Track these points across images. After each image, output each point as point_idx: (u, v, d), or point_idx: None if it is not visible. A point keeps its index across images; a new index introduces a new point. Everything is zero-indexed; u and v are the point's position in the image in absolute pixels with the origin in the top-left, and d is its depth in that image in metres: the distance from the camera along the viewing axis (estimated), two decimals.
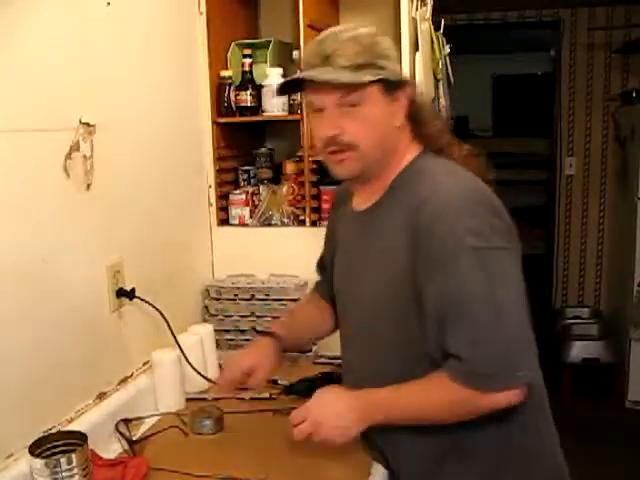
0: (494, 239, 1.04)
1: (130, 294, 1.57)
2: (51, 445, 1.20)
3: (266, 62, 2.02)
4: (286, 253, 2.00)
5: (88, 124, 1.42)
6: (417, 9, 1.89)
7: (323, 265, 1.48)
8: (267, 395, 1.66)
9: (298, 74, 1.15)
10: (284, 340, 1.41)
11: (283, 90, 1.28)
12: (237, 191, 2.08)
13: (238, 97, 2.00)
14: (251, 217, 2.06)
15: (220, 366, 1.83)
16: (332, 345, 1.93)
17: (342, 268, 1.33)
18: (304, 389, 1.66)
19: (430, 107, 1.25)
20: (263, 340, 1.42)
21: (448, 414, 1.09)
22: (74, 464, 1.15)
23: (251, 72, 2.00)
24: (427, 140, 1.19)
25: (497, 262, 1.03)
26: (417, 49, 1.91)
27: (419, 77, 1.90)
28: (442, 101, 2.24)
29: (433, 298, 1.05)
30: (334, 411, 1.14)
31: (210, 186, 2.05)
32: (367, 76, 1.08)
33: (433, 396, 1.08)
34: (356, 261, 1.25)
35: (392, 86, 1.12)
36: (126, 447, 1.41)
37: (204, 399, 1.65)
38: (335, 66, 1.08)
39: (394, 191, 1.17)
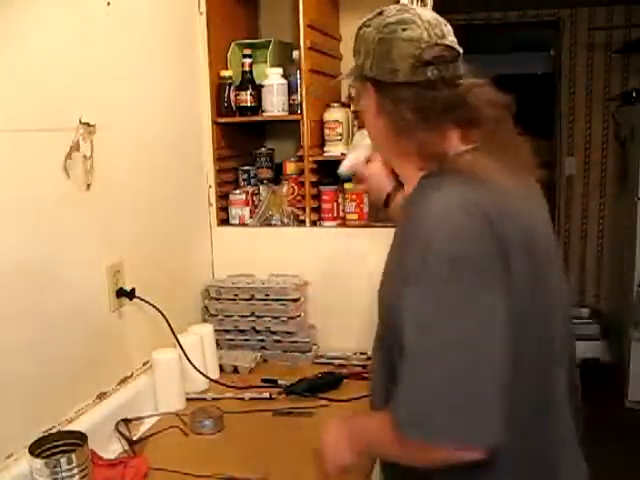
0: (462, 271, 0.90)
1: (130, 294, 1.57)
2: (51, 445, 1.20)
3: (266, 62, 2.02)
4: (286, 253, 2.00)
5: (88, 124, 1.42)
6: None
7: None
8: (267, 395, 1.66)
9: None
10: None
11: None
12: (237, 191, 2.08)
13: (238, 97, 2.00)
14: (251, 217, 2.06)
15: (220, 367, 1.83)
16: (332, 345, 1.94)
17: None
18: (304, 389, 1.67)
19: (412, 104, 1.02)
20: None
21: (396, 458, 1.00)
22: (74, 464, 1.16)
23: (251, 72, 2.00)
24: (424, 154, 1.05)
25: (459, 299, 0.90)
26: None
27: None
28: None
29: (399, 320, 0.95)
30: (333, 440, 1.12)
31: (210, 186, 2.05)
32: (350, 74, 1.13)
33: (382, 436, 0.99)
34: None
35: (360, 80, 1.09)
36: (126, 447, 1.41)
37: (204, 399, 1.65)
38: None
39: (409, 202, 1.07)
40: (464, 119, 1.04)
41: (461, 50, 1.06)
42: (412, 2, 1.86)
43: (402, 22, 1.03)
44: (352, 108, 2.04)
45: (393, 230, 1.09)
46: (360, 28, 1.10)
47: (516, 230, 0.95)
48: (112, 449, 1.41)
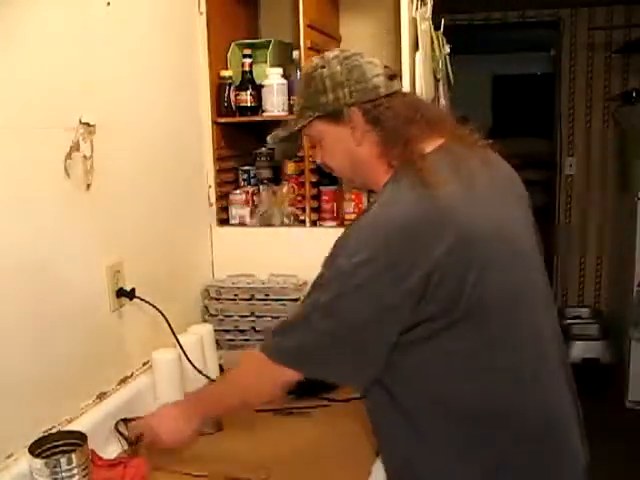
0: (360, 273, 1.05)
1: (130, 294, 1.57)
2: (51, 445, 1.20)
3: (266, 62, 2.02)
4: (286, 253, 2.00)
5: (88, 124, 1.42)
6: (417, 9, 1.88)
7: None
8: None
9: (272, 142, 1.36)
10: None
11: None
12: (237, 191, 2.08)
13: (238, 97, 2.00)
14: (251, 217, 2.06)
15: (220, 367, 1.83)
16: None
17: None
18: (303, 389, 1.66)
19: (393, 113, 1.16)
20: None
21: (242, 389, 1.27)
22: (74, 464, 1.16)
23: (251, 72, 2.00)
24: (399, 153, 1.16)
25: (344, 296, 1.07)
26: (417, 49, 1.91)
27: (419, 77, 1.90)
28: (442, 101, 2.24)
29: None
30: (168, 416, 1.32)
31: (210, 186, 2.05)
32: (300, 122, 1.22)
33: (233, 374, 1.29)
34: None
35: (334, 115, 1.18)
36: (126, 447, 1.41)
37: None
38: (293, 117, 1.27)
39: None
40: (427, 117, 1.18)
41: None
42: (412, 1, 1.86)
43: (354, 54, 1.19)
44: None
45: None
46: (310, 74, 1.19)
47: (450, 235, 1.03)
48: (112, 449, 1.41)
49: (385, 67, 1.19)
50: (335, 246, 1.11)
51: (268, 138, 1.33)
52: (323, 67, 1.18)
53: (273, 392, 1.23)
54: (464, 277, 1.04)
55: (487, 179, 1.17)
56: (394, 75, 1.20)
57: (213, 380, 1.71)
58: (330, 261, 1.11)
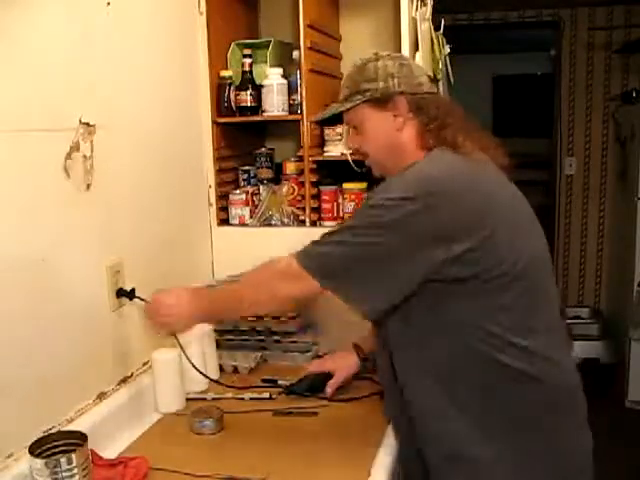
0: (390, 212, 1.17)
1: (130, 294, 1.57)
2: (51, 445, 1.20)
3: (266, 62, 2.02)
4: (286, 253, 1.99)
5: (88, 124, 1.42)
6: (417, 9, 1.88)
7: None
8: (267, 395, 1.66)
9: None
10: (364, 348, 1.63)
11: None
12: (237, 191, 2.08)
13: (238, 97, 2.00)
14: (251, 217, 2.06)
15: (220, 367, 1.83)
16: (332, 345, 1.94)
17: None
18: (304, 389, 1.67)
19: (434, 105, 1.34)
20: (346, 351, 1.66)
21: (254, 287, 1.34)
22: (74, 464, 1.15)
23: (251, 72, 2.00)
24: (434, 137, 1.31)
25: (380, 225, 1.17)
26: (417, 49, 1.91)
27: None
28: None
29: None
30: (174, 292, 1.42)
31: (210, 186, 2.05)
32: (348, 104, 1.35)
33: (256, 269, 1.34)
34: None
35: (381, 100, 1.32)
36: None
37: (204, 399, 1.65)
38: (338, 101, 1.41)
39: None
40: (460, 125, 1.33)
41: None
42: (412, 2, 1.86)
43: (404, 56, 1.44)
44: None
45: None
46: (365, 64, 1.35)
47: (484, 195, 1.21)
48: (112, 449, 1.41)
49: (427, 75, 1.38)
50: (374, 192, 1.24)
51: (314, 118, 1.53)
52: (377, 60, 1.33)
53: (287, 297, 1.31)
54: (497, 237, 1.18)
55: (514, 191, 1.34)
56: (435, 80, 1.37)
57: (214, 380, 1.71)
58: (368, 199, 1.23)
